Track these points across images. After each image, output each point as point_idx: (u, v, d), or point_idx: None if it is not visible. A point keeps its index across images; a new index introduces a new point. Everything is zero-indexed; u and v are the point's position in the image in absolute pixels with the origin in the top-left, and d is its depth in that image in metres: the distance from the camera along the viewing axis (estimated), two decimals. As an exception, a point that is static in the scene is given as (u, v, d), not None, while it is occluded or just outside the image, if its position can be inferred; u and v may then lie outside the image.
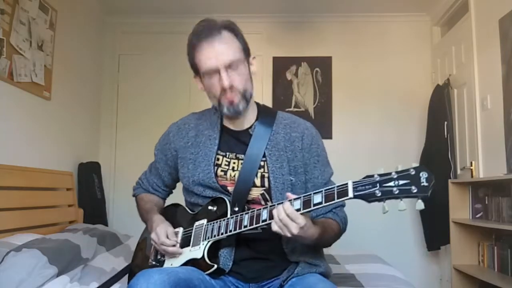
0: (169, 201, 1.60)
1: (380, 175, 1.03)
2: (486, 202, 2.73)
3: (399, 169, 1.02)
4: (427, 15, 3.82)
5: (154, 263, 1.39)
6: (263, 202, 1.31)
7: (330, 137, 3.76)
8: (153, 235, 1.32)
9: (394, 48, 3.83)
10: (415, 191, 0.97)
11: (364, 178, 1.05)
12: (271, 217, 1.14)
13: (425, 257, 3.63)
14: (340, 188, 1.07)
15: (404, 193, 0.99)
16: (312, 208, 1.10)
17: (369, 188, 1.02)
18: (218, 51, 1.25)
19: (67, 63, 3.16)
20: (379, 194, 1.01)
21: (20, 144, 2.59)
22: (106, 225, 3.31)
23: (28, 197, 2.43)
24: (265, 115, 1.40)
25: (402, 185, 0.99)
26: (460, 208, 2.88)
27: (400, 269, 2.12)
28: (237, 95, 1.28)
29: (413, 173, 0.99)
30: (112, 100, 3.90)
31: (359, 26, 3.87)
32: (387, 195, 1.00)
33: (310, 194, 1.11)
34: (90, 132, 3.68)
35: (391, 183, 1.00)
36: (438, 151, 3.28)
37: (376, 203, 1.03)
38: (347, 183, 1.06)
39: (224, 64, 1.24)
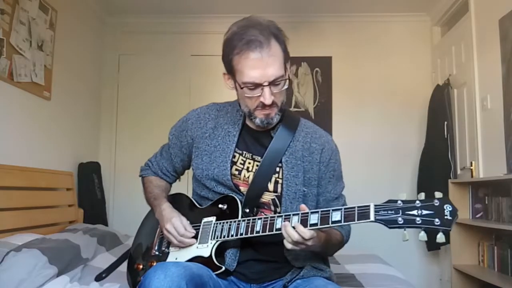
0: (173, 190, 1.58)
1: (403, 202, 1.02)
2: (486, 202, 2.73)
3: (422, 197, 1.01)
4: (427, 15, 3.82)
5: (157, 253, 1.37)
6: (272, 208, 1.30)
7: (330, 137, 3.75)
8: (169, 227, 1.29)
9: (394, 48, 3.83)
10: (438, 223, 0.97)
11: (386, 202, 1.04)
12: None
13: (425, 257, 3.63)
14: (361, 210, 1.06)
15: (427, 224, 0.98)
16: (331, 225, 1.09)
17: (392, 214, 1.02)
18: (268, 63, 1.18)
19: (67, 63, 3.16)
20: (401, 222, 1.00)
21: (20, 144, 2.59)
22: (106, 225, 3.31)
23: (28, 197, 2.43)
24: (289, 119, 1.37)
25: (425, 215, 0.99)
26: (460, 208, 2.83)
27: (400, 269, 2.12)
28: (274, 110, 1.25)
29: (437, 204, 0.99)
30: (112, 100, 3.90)
31: (359, 26, 3.87)
32: (409, 224, 1.00)
33: (329, 211, 1.10)
34: (90, 132, 3.68)
35: (414, 212, 1.00)
36: (438, 151, 3.28)
37: (396, 229, 1.02)
38: (369, 206, 1.05)
39: (269, 80, 1.19)
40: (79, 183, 3.26)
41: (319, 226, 1.10)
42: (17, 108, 2.57)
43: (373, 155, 3.69)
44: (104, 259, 2.13)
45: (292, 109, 3.82)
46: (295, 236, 1.09)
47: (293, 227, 1.11)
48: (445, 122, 3.26)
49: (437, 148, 3.29)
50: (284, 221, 1.14)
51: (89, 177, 3.35)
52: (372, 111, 3.80)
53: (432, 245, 3.38)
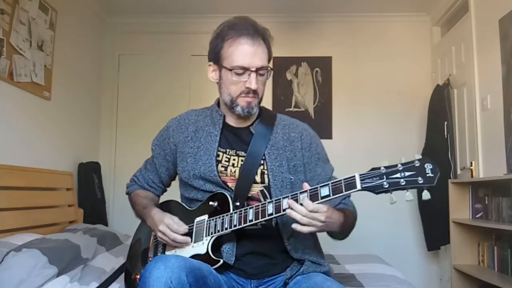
0: (162, 198, 1.58)
1: (386, 167, 1.06)
2: (486, 202, 2.73)
3: (404, 161, 1.05)
4: (427, 15, 3.82)
5: None
6: (262, 199, 1.32)
7: (330, 137, 3.76)
8: (161, 227, 1.30)
9: (394, 48, 3.83)
10: (421, 181, 1.02)
11: (370, 170, 1.07)
12: (277, 211, 1.17)
13: (425, 257, 3.63)
14: (347, 181, 1.09)
15: (411, 184, 1.03)
16: (320, 200, 1.12)
17: (377, 180, 1.05)
18: (257, 52, 1.29)
19: (67, 63, 3.16)
20: (386, 186, 1.04)
21: (20, 144, 2.59)
22: (106, 225, 3.31)
23: (28, 197, 2.43)
24: (266, 115, 1.44)
25: (408, 176, 1.03)
26: (460, 208, 2.88)
27: (400, 269, 2.12)
28: (256, 99, 1.33)
29: (417, 164, 1.03)
30: (112, 100, 3.90)
31: (359, 26, 3.87)
32: (395, 186, 1.04)
33: (317, 187, 1.13)
34: (90, 132, 3.68)
35: (398, 175, 1.04)
36: (438, 151, 3.28)
37: (383, 194, 1.06)
38: (354, 176, 1.08)
39: (257, 66, 1.28)
40: (79, 183, 3.26)
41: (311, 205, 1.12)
42: (17, 108, 2.57)
43: (373, 155, 3.68)
44: (104, 259, 2.13)
45: (292, 109, 3.83)
46: (304, 212, 1.11)
47: (301, 204, 1.13)
48: (445, 122, 3.26)
49: (437, 148, 3.29)
50: (276, 206, 1.16)
51: (89, 177, 3.35)
52: (372, 111, 3.80)
53: (431, 243, 3.39)
